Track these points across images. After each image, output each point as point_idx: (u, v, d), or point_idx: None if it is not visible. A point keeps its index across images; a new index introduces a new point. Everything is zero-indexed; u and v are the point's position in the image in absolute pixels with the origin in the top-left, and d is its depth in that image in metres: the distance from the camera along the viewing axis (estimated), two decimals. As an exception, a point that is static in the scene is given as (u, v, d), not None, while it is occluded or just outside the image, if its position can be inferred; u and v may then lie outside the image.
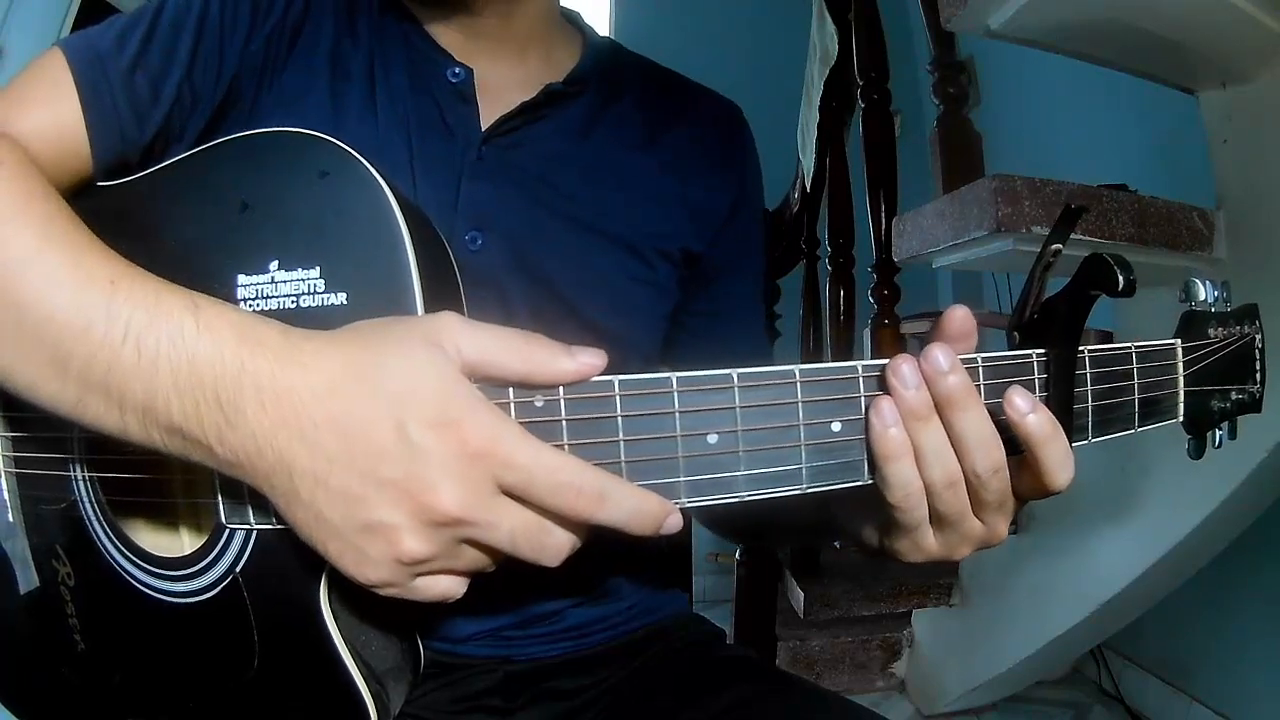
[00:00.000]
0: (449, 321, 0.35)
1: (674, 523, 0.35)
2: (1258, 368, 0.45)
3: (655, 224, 0.60)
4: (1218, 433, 0.45)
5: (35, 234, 0.38)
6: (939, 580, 1.66)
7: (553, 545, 0.35)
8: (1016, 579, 1.52)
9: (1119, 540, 1.31)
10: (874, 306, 1.55)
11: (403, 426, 0.32)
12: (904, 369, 0.36)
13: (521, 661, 0.57)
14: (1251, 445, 1.07)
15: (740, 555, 1.58)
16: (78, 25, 1.98)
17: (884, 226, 1.47)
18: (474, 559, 0.35)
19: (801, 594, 1.64)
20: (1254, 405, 0.45)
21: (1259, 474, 1.08)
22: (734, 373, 0.36)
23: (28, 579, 0.49)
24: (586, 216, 0.58)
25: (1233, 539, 1.29)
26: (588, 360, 0.35)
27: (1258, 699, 1.43)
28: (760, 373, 0.36)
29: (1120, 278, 0.35)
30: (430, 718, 0.55)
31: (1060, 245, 0.39)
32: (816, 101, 1.69)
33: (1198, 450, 0.45)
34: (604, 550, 0.60)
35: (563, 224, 0.57)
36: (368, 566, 0.34)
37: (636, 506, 0.34)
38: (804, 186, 1.77)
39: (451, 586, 0.36)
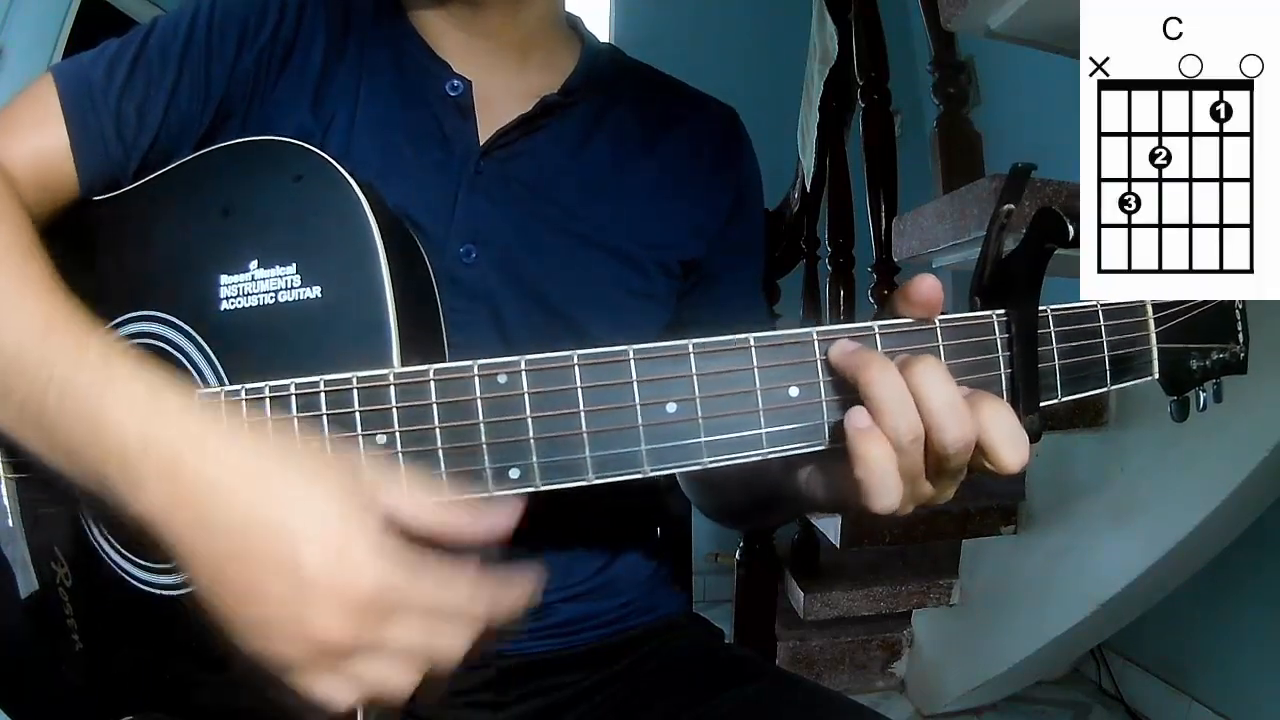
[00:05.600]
0: (364, 467, 0.36)
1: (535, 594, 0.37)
2: (1239, 328, 0.43)
3: (654, 235, 0.60)
4: (1201, 395, 0.44)
5: None
6: (939, 580, 1.66)
7: (444, 653, 0.35)
8: (1016, 579, 1.52)
9: (1119, 540, 1.31)
10: (874, 306, 1.55)
11: (296, 553, 0.33)
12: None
13: (513, 656, 0.57)
14: (1251, 445, 1.07)
15: (740, 555, 1.58)
16: (77, 25, 1.98)
17: (884, 226, 1.47)
18: (358, 675, 0.34)
19: (801, 594, 1.64)
20: (1238, 366, 0.44)
21: (1259, 474, 1.08)
22: (689, 343, 0.37)
23: (28, 582, 0.49)
24: (583, 230, 0.57)
25: (1233, 539, 1.29)
26: (496, 521, 0.36)
27: (1258, 699, 1.43)
28: (715, 341, 0.37)
29: (1070, 228, 0.35)
30: (420, 713, 0.55)
31: (1012, 205, 0.38)
32: (816, 101, 1.69)
33: (1180, 412, 0.44)
34: (597, 547, 0.60)
35: (558, 237, 0.57)
36: (256, 648, 0.34)
37: (511, 605, 0.36)
38: (804, 186, 1.77)
39: (332, 693, 0.35)
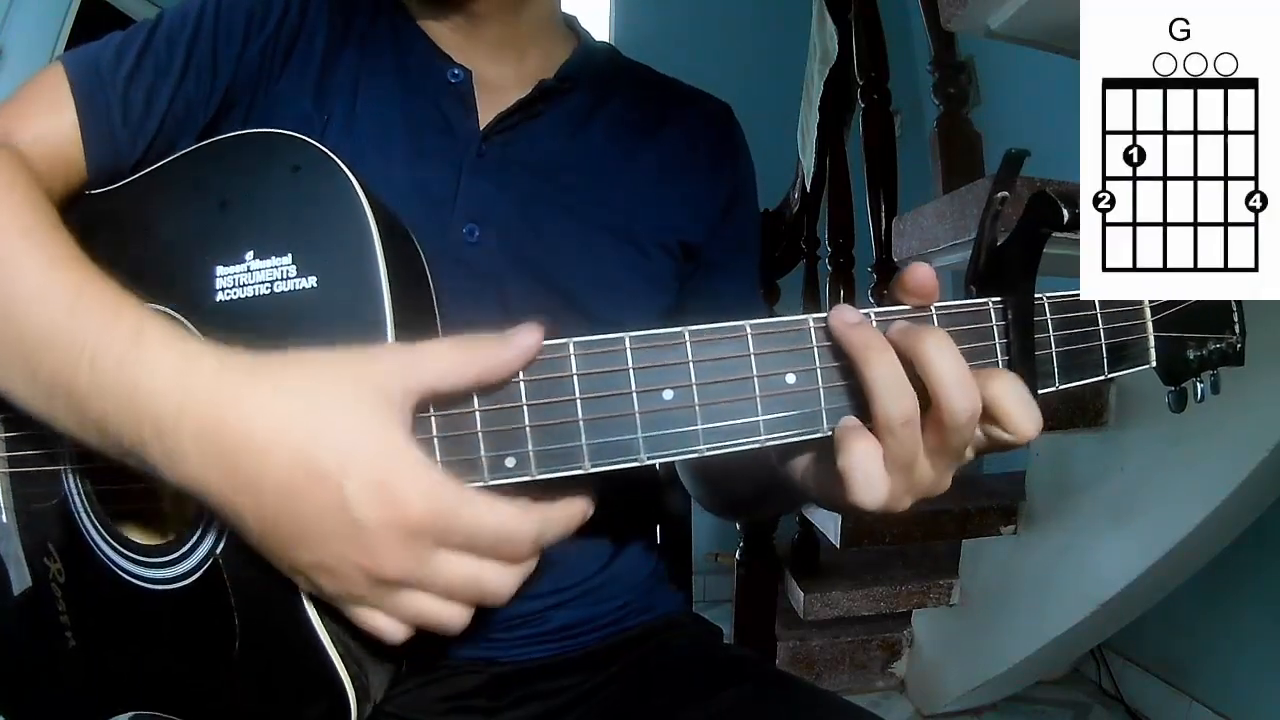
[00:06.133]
0: (390, 361, 0.35)
1: (590, 509, 0.38)
2: (1235, 319, 0.43)
3: (653, 216, 0.61)
4: (1199, 386, 0.44)
5: (16, 242, 0.40)
6: (939, 580, 1.66)
7: (493, 591, 0.36)
8: (1016, 579, 1.52)
9: (1119, 540, 1.31)
10: (874, 306, 1.54)
11: (343, 493, 0.33)
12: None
13: (507, 662, 0.57)
14: (1251, 445, 1.07)
15: (740, 555, 1.58)
16: (77, 25, 1.98)
17: (884, 226, 1.47)
18: (411, 608, 0.36)
19: (801, 594, 1.64)
20: (1235, 358, 0.44)
21: (1259, 474, 1.08)
22: (685, 330, 0.37)
23: (21, 578, 0.49)
24: (584, 208, 0.58)
25: (1233, 539, 1.29)
26: (525, 341, 0.35)
27: (1258, 699, 1.43)
28: (711, 328, 0.37)
29: (1064, 211, 0.35)
30: (415, 718, 0.55)
31: (1006, 193, 0.38)
32: (816, 101, 1.69)
33: (1178, 403, 0.44)
34: (592, 549, 0.60)
35: (560, 216, 0.57)
36: (314, 588, 0.36)
37: (564, 526, 0.37)
38: (804, 186, 1.76)
39: (387, 628, 0.36)
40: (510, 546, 0.35)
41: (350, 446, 0.33)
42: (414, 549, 0.34)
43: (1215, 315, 0.43)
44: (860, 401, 0.37)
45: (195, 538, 0.43)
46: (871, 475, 0.36)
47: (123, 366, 0.35)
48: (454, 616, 0.36)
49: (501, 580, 0.36)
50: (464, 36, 0.59)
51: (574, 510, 0.37)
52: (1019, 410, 0.36)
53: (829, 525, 1.46)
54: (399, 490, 0.33)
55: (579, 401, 0.36)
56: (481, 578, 0.35)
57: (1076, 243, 0.38)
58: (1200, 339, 0.43)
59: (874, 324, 0.37)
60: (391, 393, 0.34)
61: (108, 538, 0.47)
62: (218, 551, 0.42)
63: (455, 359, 0.35)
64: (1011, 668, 1.53)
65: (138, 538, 0.46)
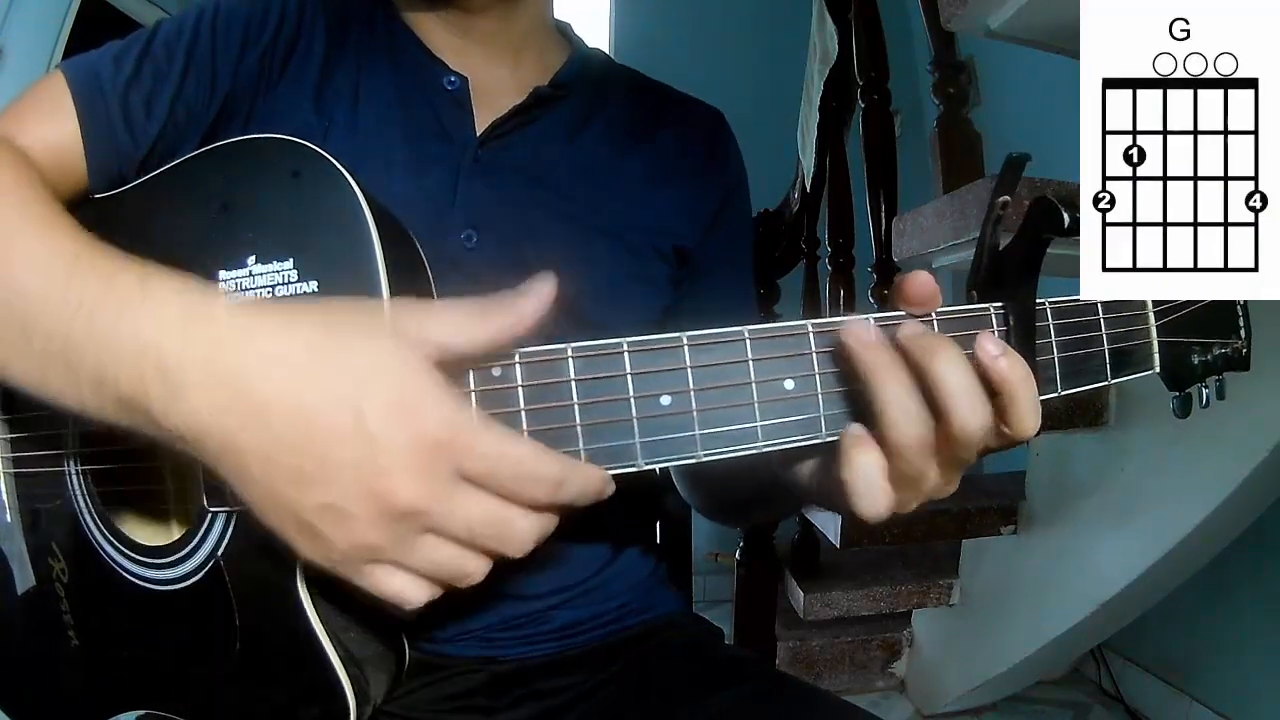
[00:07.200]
0: (411, 308, 0.35)
1: (610, 489, 0.36)
2: (1241, 323, 0.43)
3: (647, 220, 0.61)
4: (1204, 391, 0.43)
5: (14, 215, 0.40)
6: (939, 580, 1.66)
7: (515, 536, 0.34)
8: (1016, 579, 1.52)
9: (1119, 540, 1.31)
10: (874, 306, 1.55)
11: (359, 411, 0.32)
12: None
13: (507, 661, 0.57)
14: (1251, 445, 1.07)
15: (740, 555, 1.58)
16: (77, 25, 1.98)
17: (884, 226, 1.47)
18: (430, 556, 0.34)
19: (801, 594, 1.64)
20: (1241, 363, 0.43)
21: (1259, 474, 1.08)
22: (683, 335, 0.37)
23: (25, 578, 0.49)
24: (581, 213, 0.59)
25: (1233, 539, 1.29)
26: (540, 294, 0.35)
27: (1258, 699, 1.43)
28: (710, 334, 0.37)
29: (1066, 216, 0.35)
30: (414, 717, 0.55)
31: (1007, 197, 0.37)
32: (816, 101, 1.69)
33: (1183, 408, 0.43)
34: (592, 550, 0.60)
35: (558, 221, 0.58)
36: (323, 547, 0.34)
37: (584, 485, 0.35)
38: (804, 186, 1.77)
39: (406, 587, 0.35)
40: (531, 485, 0.33)
41: (367, 366, 0.32)
42: (432, 472, 0.32)
43: (1220, 319, 0.43)
44: (859, 407, 0.37)
45: (198, 539, 0.43)
46: (874, 488, 0.36)
47: (124, 313, 0.34)
48: (475, 567, 0.34)
49: (523, 525, 0.34)
50: (459, 39, 0.60)
51: (594, 474, 0.35)
52: (1029, 408, 0.36)
53: (829, 525, 1.46)
54: (418, 407, 0.32)
55: (576, 407, 0.36)
56: (503, 516, 0.33)
57: (1077, 243, 0.38)
58: (1205, 343, 0.42)
59: (879, 330, 0.36)
60: (409, 333, 0.34)
61: (111, 538, 0.47)
62: (220, 553, 0.42)
63: (470, 316, 0.35)
64: (1011, 668, 1.53)
65: (141, 538, 0.46)
